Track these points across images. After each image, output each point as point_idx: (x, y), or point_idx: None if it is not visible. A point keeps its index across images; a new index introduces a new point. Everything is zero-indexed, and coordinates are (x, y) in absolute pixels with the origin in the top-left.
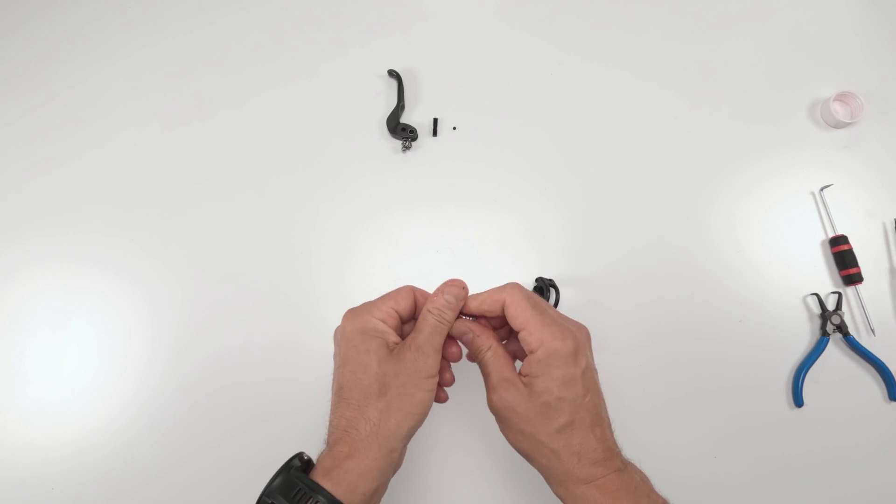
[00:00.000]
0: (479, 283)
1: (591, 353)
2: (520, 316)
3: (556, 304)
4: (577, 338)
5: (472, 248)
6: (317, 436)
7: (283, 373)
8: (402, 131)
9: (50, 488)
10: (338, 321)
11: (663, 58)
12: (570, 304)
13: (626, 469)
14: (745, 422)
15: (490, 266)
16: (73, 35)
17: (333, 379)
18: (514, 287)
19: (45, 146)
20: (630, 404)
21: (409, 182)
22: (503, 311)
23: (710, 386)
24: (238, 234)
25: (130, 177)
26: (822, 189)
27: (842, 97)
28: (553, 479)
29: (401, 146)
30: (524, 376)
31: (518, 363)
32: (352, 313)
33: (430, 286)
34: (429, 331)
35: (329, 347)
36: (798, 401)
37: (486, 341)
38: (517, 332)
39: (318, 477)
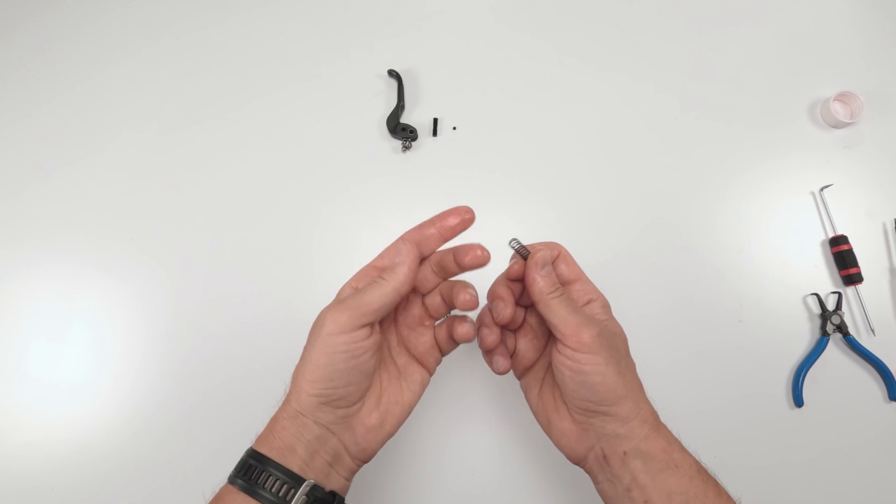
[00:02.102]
0: (480, 283)
1: None
2: (576, 267)
3: None
4: None
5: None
6: None
7: (283, 373)
8: (402, 131)
9: (50, 487)
10: None
11: (663, 59)
12: None
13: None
14: (744, 422)
15: (490, 266)
16: (73, 35)
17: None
18: (559, 244)
19: (46, 148)
20: None
21: (409, 182)
22: (555, 261)
23: (709, 386)
24: (237, 236)
25: (130, 179)
26: (822, 189)
27: (842, 97)
28: (641, 413)
29: (401, 146)
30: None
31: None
32: (336, 316)
33: None
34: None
35: None
36: (798, 401)
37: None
38: (570, 283)
39: (259, 446)
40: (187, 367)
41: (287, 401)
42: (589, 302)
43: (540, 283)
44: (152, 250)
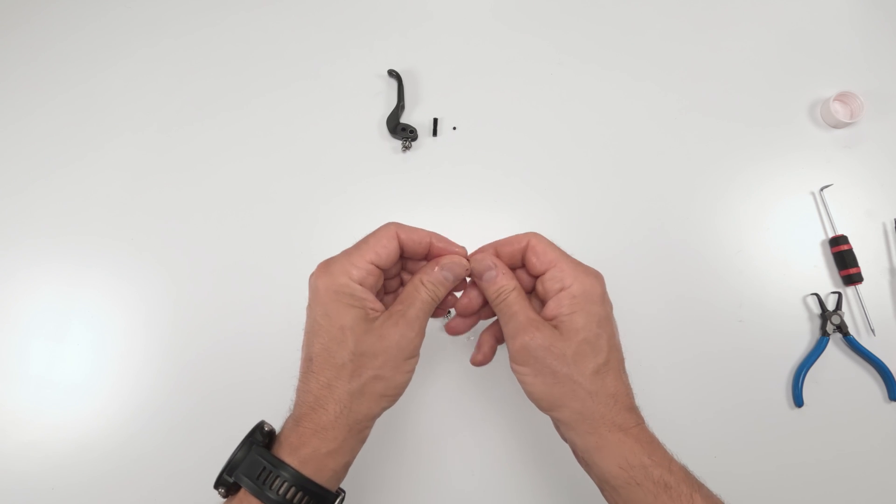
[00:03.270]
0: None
1: None
2: (548, 254)
3: None
4: (602, 280)
5: (471, 248)
6: None
7: (283, 373)
8: (402, 131)
9: (50, 487)
10: None
11: (663, 59)
12: None
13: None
14: (744, 422)
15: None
16: (73, 35)
17: (304, 342)
18: (536, 233)
19: (46, 147)
20: None
21: (409, 182)
22: (524, 255)
23: (709, 386)
24: (237, 235)
25: (130, 179)
26: (822, 189)
27: (842, 97)
28: (584, 425)
29: (401, 146)
30: (553, 317)
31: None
32: (326, 269)
33: None
34: (420, 305)
35: None
36: (798, 401)
37: (511, 280)
38: (542, 273)
39: (284, 454)
40: (188, 367)
41: (347, 410)
42: (560, 290)
43: (486, 291)
44: (152, 249)
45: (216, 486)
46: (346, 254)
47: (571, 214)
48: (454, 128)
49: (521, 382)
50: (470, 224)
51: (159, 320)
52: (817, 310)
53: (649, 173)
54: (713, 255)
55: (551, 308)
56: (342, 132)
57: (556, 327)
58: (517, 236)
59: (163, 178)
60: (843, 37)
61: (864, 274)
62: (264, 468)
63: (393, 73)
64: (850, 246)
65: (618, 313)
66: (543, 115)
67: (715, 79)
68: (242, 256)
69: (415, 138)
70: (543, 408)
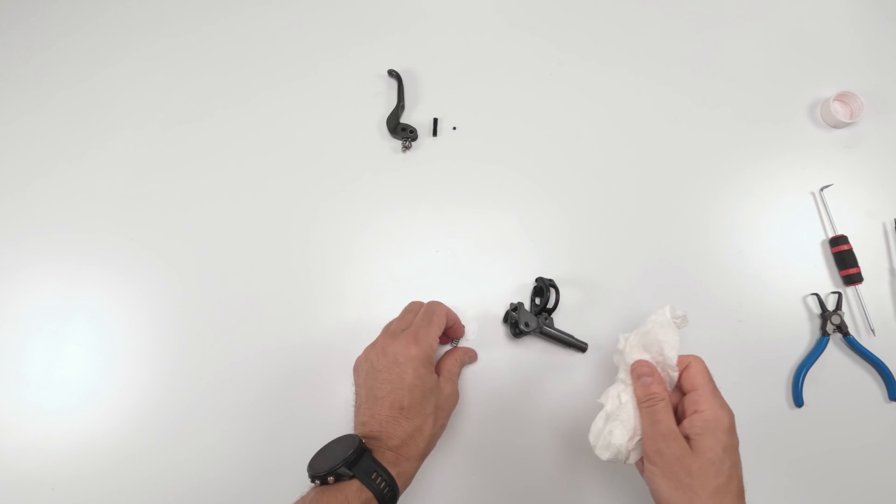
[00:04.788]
0: (479, 282)
1: None
2: (698, 379)
3: (555, 304)
4: (732, 415)
5: (471, 249)
6: (315, 434)
7: (283, 373)
8: (402, 131)
9: (50, 488)
10: (336, 321)
11: (664, 57)
12: (569, 304)
13: None
14: (744, 422)
15: (490, 266)
16: (73, 35)
17: (393, 394)
18: (699, 358)
19: (46, 145)
20: None
21: (409, 182)
22: (683, 370)
23: None
24: (238, 233)
25: (131, 176)
26: (822, 189)
27: (842, 97)
28: None
29: (401, 146)
30: (685, 435)
31: None
32: (416, 341)
33: (429, 286)
34: (457, 374)
35: (326, 346)
36: (798, 401)
37: (663, 391)
38: (686, 392)
39: (389, 467)
40: (187, 366)
41: (426, 447)
42: (694, 412)
43: (637, 391)
44: (153, 246)
45: (327, 475)
46: (424, 329)
47: (570, 213)
48: (454, 128)
49: (649, 480)
50: (470, 224)
51: (160, 319)
52: (817, 310)
53: (648, 173)
54: (713, 256)
55: (685, 426)
56: (342, 132)
57: (688, 442)
58: (691, 356)
59: (163, 176)
60: (843, 37)
61: (864, 274)
62: (378, 475)
63: (393, 73)
64: (850, 246)
65: (616, 314)
66: (543, 114)
67: (716, 77)
68: (243, 254)
69: (415, 138)
70: None
